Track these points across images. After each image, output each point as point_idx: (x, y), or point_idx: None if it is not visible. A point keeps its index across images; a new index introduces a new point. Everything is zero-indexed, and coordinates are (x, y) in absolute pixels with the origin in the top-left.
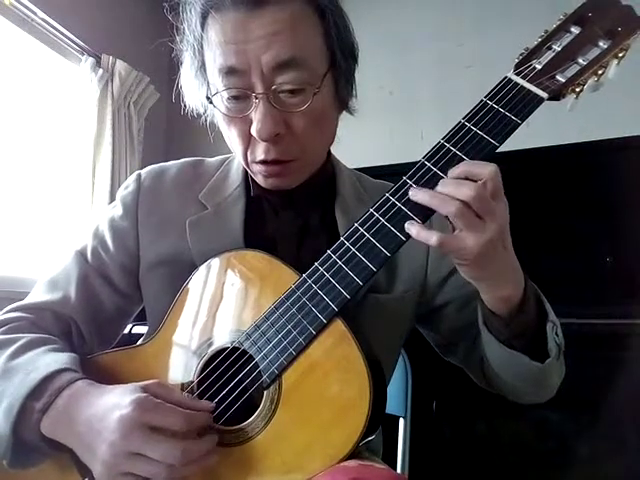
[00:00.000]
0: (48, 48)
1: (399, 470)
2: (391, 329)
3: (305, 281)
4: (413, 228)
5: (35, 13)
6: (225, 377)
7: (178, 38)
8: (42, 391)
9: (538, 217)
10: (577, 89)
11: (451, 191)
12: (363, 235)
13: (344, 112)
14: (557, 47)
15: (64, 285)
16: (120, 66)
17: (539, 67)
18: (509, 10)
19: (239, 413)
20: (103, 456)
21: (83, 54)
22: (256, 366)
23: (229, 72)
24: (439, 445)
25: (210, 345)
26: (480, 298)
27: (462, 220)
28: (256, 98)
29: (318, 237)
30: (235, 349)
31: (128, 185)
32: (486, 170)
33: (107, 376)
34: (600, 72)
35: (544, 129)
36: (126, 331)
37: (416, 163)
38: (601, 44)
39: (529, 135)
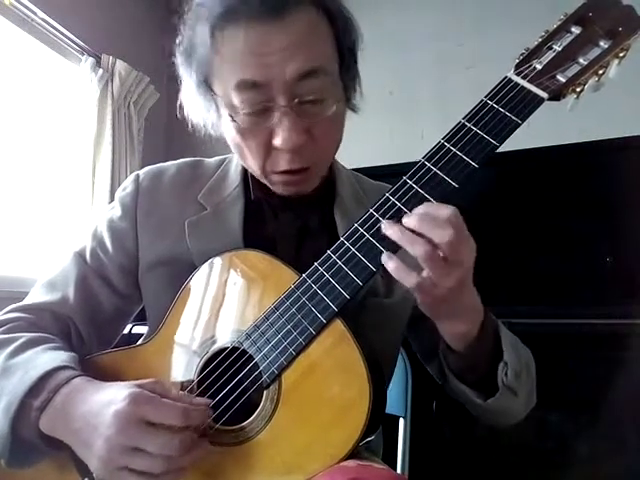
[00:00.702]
0: (48, 48)
1: (399, 470)
2: (391, 331)
3: (305, 281)
4: (391, 262)
5: (35, 13)
6: (225, 377)
7: (178, 53)
8: (40, 389)
9: (538, 217)
10: (578, 89)
11: (426, 231)
12: (363, 235)
13: (348, 111)
14: (557, 47)
15: (63, 286)
16: (120, 66)
17: (539, 67)
18: (509, 10)
19: (239, 413)
20: (99, 451)
21: (83, 54)
22: (256, 366)
23: (248, 86)
24: (439, 445)
25: (211, 345)
26: None
27: (429, 263)
28: (279, 110)
29: (317, 238)
30: (235, 349)
31: (126, 186)
32: (445, 212)
33: (107, 376)
34: (601, 72)
35: (544, 129)
36: (126, 331)
37: (416, 163)
38: (602, 44)
39: (529, 135)
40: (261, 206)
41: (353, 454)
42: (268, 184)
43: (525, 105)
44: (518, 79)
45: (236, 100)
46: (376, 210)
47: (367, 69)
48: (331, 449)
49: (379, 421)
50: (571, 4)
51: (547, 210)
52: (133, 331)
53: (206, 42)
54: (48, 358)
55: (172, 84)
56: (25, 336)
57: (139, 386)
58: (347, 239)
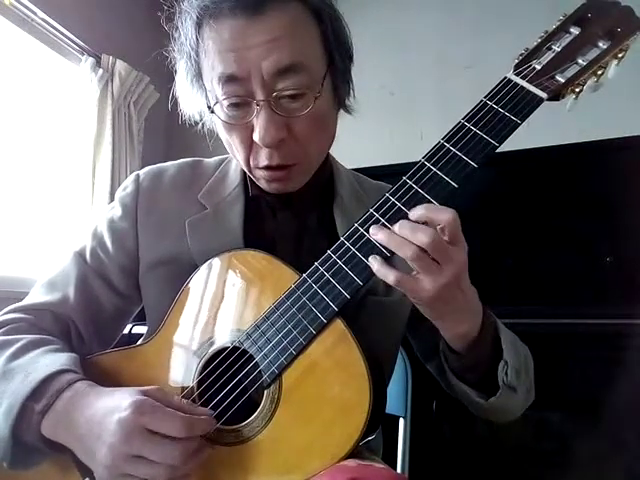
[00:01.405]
0: (48, 48)
1: (399, 470)
2: (391, 330)
3: (305, 281)
4: (375, 263)
5: (35, 13)
6: (225, 377)
7: (173, 47)
8: (42, 393)
9: (538, 217)
10: (577, 89)
11: (407, 235)
12: (363, 235)
13: (344, 112)
14: (557, 47)
15: (63, 286)
16: (120, 66)
17: (539, 67)
18: (509, 10)
19: (239, 413)
20: (104, 459)
21: (83, 54)
22: (256, 366)
23: (229, 80)
24: (439, 445)
25: (211, 344)
26: None
27: (418, 264)
28: (257, 105)
29: (317, 238)
30: (235, 349)
31: (127, 186)
32: (444, 216)
33: (107, 376)
34: (600, 72)
35: (544, 129)
36: (126, 331)
37: (416, 163)
38: (601, 44)
39: (529, 135)
40: (260, 205)
41: (353, 453)
42: (254, 179)
43: (524, 105)
44: (517, 79)
45: (219, 93)
46: (376, 210)
47: (367, 69)
48: (331, 448)
49: (379, 420)
50: (570, 5)
51: (547, 210)
52: (133, 331)
53: (193, 35)
54: (49, 361)
55: (172, 84)
56: (25, 338)
57: (144, 394)
58: (347, 239)
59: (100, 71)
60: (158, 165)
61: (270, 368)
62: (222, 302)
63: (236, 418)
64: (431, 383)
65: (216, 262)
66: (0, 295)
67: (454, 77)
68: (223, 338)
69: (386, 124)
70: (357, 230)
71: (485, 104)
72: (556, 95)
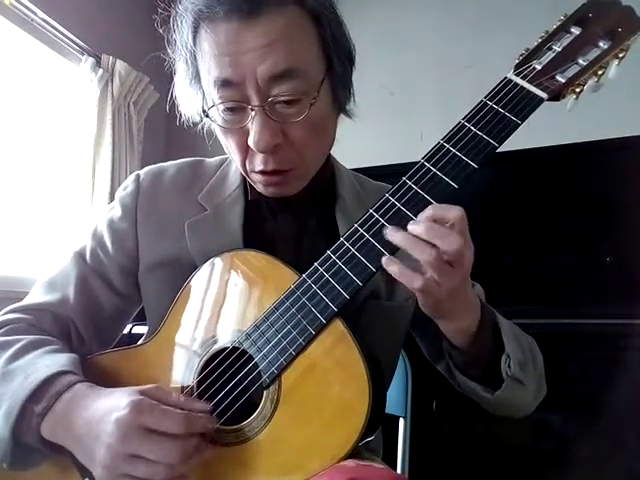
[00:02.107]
0: (48, 48)
1: (399, 470)
2: (392, 333)
3: (305, 281)
4: (394, 267)
5: (35, 13)
6: (225, 377)
7: (170, 49)
8: (41, 394)
9: (538, 217)
10: (577, 89)
11: (433, 239)
12: (363, 236)
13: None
14: (557, 47)
15: (63, 286)
16: (120, 66)
17: (539, 67)
18: (509, 10)
19: (239, 413)
20: (102, 459)
21: (83, 54)
22: (256, 366)
23: (224, 84)
24: (439, 445)
25: (214, 343)
26: None
27: (435, 267)
28: (252, 110)
29: (316, 239)
30: (235, 349)
31: (127, 186)
32: (454, 214)
33: (107, 377)
34: (600, 72)
35: (544, 129)
36: (126, 331)
37: (416, 163)
38: (601, 44)
39: (529, 135)
40: (260, 207)
41: (353, 454)
42: (251, 182)
43: (524, 105)
44: (518, 79)
45: (215, 97)
46: (376, 210)
47: (367, 69)
48: (331, 449)
49: (379, 421)
50: (571, 5)
51: (547, 210)
52: (133, 331)
53: (190, 39)
54: (49, 362)
55: (171, 84)
56: (25, 338)
57: (141, 393)
58: (347, 239)
59: (100, 71)
60: (159, 165)
61: (269, 368)
62: (222, 302)
63: (236, 418)
64: (431, 383)
65: (217, 261)
66: (0, 295)
67: (454, 77)
68: (223, 338)
69: (386, 124)
70: (357, 230)
71: (485, 104)
72: (556, 95)
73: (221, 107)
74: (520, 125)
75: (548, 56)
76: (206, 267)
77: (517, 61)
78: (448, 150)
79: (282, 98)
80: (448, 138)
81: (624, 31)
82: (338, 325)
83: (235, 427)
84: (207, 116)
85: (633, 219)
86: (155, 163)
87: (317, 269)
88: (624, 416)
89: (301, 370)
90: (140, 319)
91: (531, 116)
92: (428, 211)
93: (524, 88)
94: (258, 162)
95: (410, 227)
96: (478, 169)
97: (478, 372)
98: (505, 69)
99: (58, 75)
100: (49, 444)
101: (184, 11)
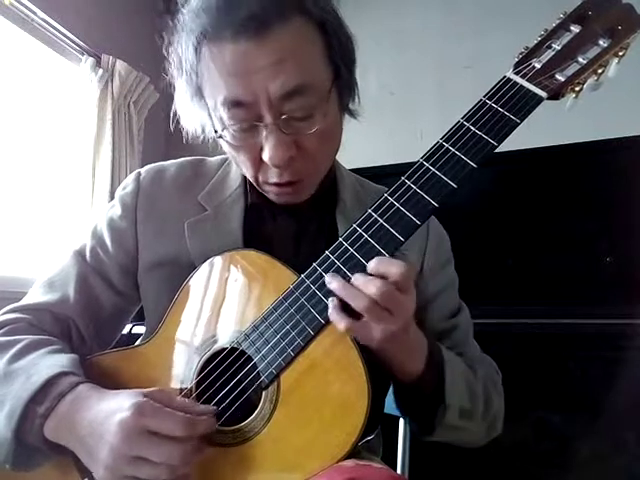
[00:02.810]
0: (48, 48)
1: (399, 470)
2: None
3: (303, 282)
4: (330, 307)
5: (35, 13)
6: (224, 377)
7: (169, 64)
8: (44, 395)
9: (538, 217)
10: (577, 88)
11: (360, 287)
12: (361, 236)
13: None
14: (557, 46)
15: (62, 285)
16: (120, 66)
17: (538, 66)
18: (509, 10)
19: (238, 413)
20: (105, 460)
21: (83, 54)
22: (255, 367)
23: (234, 104)
24: (439, 445)
25: (214, 342)
26: None
27: (370, 314)
28: (265, 127)
29: (316, 242)
30: (234, 349)
31: (127, 184)
32: (395, 270)
33: (108, 377)
34: (600, 71)
35: (544, 129)
36: (126, 331)
37: (415, 163)
38: (601, 43)
39: (529, 135)
40: (260, 208)
41: (353, 454)
42: (264, 193)
43: (524, 104)
44: (517, 78)
45: (225, 116)
46: (374, 210)
47: (368, 69)
48: (330, 449)
49: (378, 420)
50: (570, 3)
51: (547, 210)
52: (133, 331)
53: (192, 56)
54: (50, 363)
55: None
56: (26, 338)
57: (145, 395)
58: (345, 239)
59: (100, 71)
60: (160, 164)
61: (268, 369)
62: (222, 302)
63: (235, 419)
64: None
65: (217, 261)
66: (0, 295)
67: (454, 77)
68: (224, 338)
69: (386, 124)
70: (355, 231)
71: (484, 103)
72: (556, 94)
73: (233, 128)
74: (519, 124)
75: (547, 54)
76: (205, 266)
77: (516, 60)
78: (447, 149)
79: (295, 114)
80: (447, 137)
81: (624, 29)
82: None
83: (234, 428)
84: (220, 137)
85: (633, 219)
86: (155, 163)
87: (315, 269)
88: (624, 416)
89: (300, 370)
90: (140, 319)
91: (531, 116)
92: (370, 265)
93: (523, 87)
94: (272, 175)
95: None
96: (478, 169)
97: (416, 413)
98: (505, 69)
99: (58, 75)
100: (52, 445)
101: (186, 30)
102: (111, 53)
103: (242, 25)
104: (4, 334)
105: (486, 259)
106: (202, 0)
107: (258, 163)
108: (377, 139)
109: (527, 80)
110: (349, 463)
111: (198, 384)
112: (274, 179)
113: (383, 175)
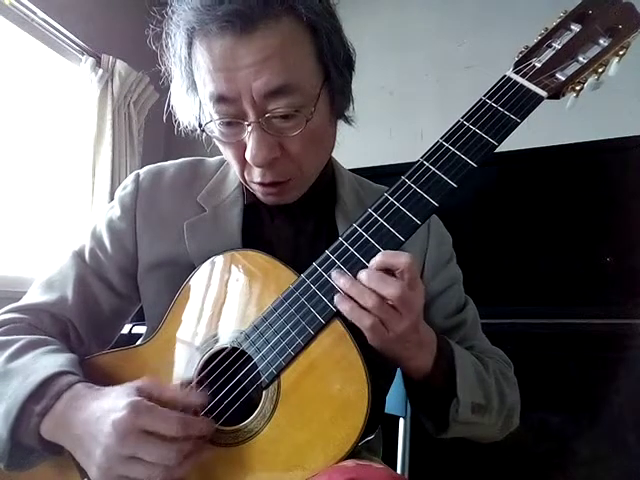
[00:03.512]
0: (48, 48)
1: (399, 470)
2: None
3: (304, 281)
4: (346, 304)
5: (35, 13)
6: (224, 377)
7: (165, 58)
8: (41, 394)
9: (538, 217)
10: (577, 87)
11: (375, 287)
12: (362, 235)
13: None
14: (557, 45)
15: (61, 286)
16: (120, 66)
17: (539, 65)
18: (509, 10)
19: (239, 413)
20: (98, 460)
21: (83, 54)
22: (255, 366)
23: (219, 99)
24: (439, 445)
25: (216, 341)
26: None
27: (381, 314)
28: (249, 125)
29: (316, 241)
30: (234, 349)
31: (126, 185)
32: (403, 260)
33: (107, 377)
34: (600, 70)
35: (544, 129)
36: (126, 331)
37: (415, 163)
38: (601, 42)
39: (529, 135)
40: (259, 209)
41: (353, 454)
42: (251, 190)
43: (524, 104)
44: (517, 77)
45: (212, 111)
46: (375, 210)
47: (367, 69)
48: (330, 449)
49: (378, 420)
50: (571, 2)
51: (547, 210)
52: (133, 331)
53: (184, 51)
54: (48, 362)
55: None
56: (24, 338)
57: (138, 392)
58: (346, 239)
59: (100, 71)
60: (159, 164)
61: (268, 369)
62: (223, 301)
63: (235, 419)
64: None
65: (218, 260)
66: (0, 295)
67: (454, 77)
68: (224, 337)
69: (386, 124)
70: (355, 230)
71: (484, 103)
72: (556, 93)
73: (218, 122)
74: (519, 124)
75: (548, 54)
76: (206, 266)
77: (517, 59)
78: (447, 149)
79: (278, 113)
80: (447, 137)
81: (624, 28)
82: (337, 325)
83: (234, 428)
84: (203, 131)
85: (633, 219)
86: (155, 163)
87: (316, 269)
88: (624, 416)
89: (300, 370)
90: (140, 319)
91: (531, 116)
92: (376, 259)
93: (524, 86)
94: (256, 174)
95: (358, 275)
96: (478, 169)
97: (429, 411)
98: (505, 69)
99: (58, 75)
100: (48, 444)
101: (176, 26)
102: (111, 53)
103: (227, 20)
104: (2, 333)
105: (486, 259)
106: None
107: (244, 161)
108: (377, 139)
109: (527, 79)
110: (350, 463)
111: (199, 384)
112: (258, 179)
113: (383, 175)
